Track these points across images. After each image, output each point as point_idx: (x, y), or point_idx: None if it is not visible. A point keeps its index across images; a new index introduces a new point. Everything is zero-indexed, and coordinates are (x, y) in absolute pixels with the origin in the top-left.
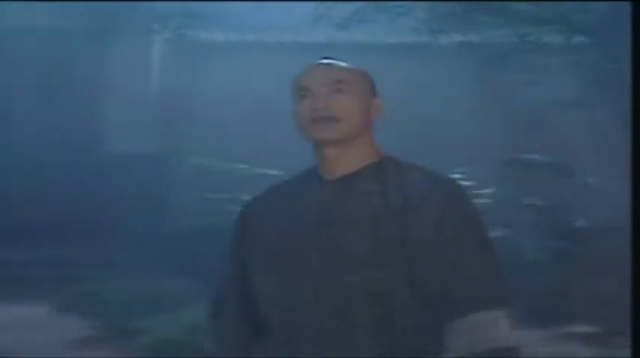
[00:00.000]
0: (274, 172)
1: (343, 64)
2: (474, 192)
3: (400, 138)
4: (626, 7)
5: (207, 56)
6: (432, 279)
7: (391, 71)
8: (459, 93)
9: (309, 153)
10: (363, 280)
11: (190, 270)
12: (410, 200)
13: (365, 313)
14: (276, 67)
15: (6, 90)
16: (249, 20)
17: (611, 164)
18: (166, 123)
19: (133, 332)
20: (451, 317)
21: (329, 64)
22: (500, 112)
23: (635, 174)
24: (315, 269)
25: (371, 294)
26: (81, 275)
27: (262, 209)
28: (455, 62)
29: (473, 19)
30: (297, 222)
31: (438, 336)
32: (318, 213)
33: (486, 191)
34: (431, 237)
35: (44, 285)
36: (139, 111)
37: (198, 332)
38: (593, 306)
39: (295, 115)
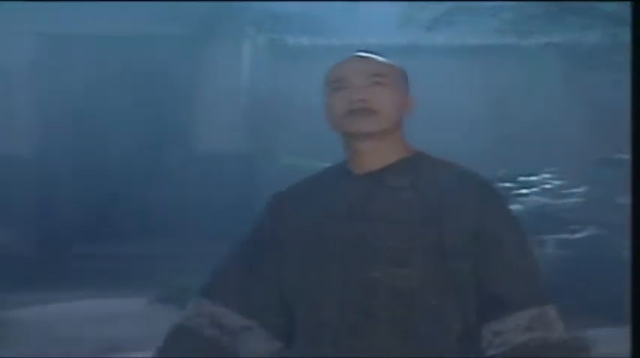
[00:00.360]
0: None
1: (380, 58)
2: (566, 191)
3: (494, 140)
4: None
5: (296, 60)
6: (466, 278)
7: (478, 73)
8: (545, 94)
9: None
10: (387, 276)
11: None
12: (443, 197)
13: (388, 310)
14: None
15: (104, 92)
16: (333, 23)
17: None
18: (257, 124)
19: None
20: (500, 315)
21: (367, 57)
22: (587, 112)
23: (635, 174)
24: (341, 263)
25: (395, 291)
26: (178, 269)
27: (292, 201)
28: (541, 63)
29: (558, 19)
30: (326, 216)
31: (465, 336)
32: (348, 207)
33: (578, 190)
34: (465, 235)
35: (144, 278)
36: (232, 112)
37: None
38: None
39: (328, 107)
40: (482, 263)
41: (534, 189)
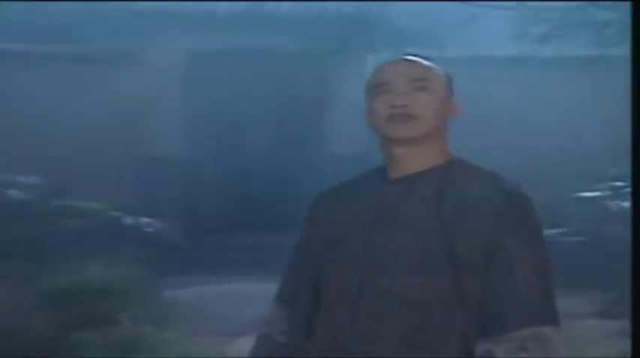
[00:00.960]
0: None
1: (425, 61)
2: None
3: (605, 144)
4: None
5: None
6: (478, 291)
7: (587, 82)
8: None
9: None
10: (398, 284)
11: None
12: (464, 207)
13: (398, 318)
14: (469, 81)
15: (239, 103)
16: (448, 37)
17: None
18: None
19: None
20: (498, 330)
21: (410, 60)
22: None
23: (636, 174)
24: (360, 268)
25: (405, 299)
26: None
27: (328, 203)
28: None
29: None
30: (354, 220)
31: (464, 351)
32: (375, 212)
33: None
34: (479, 249)
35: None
36: (357, 119)
37: None
38: None
39: (371, 111)
40: (489, 280)
41: None
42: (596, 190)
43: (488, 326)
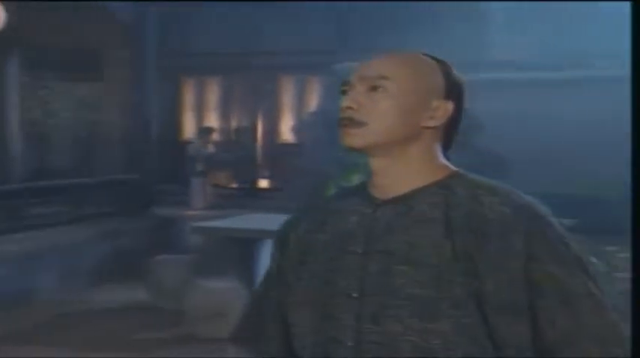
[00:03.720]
0: None
1: (404, 55)
2: None
3: None
4: None
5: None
6: (510, 334)
7: None
8: None
9: None
10: (410, 331)
11: None
12: (483, 233)
13: None
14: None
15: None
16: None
17: None
18: None
19: None
20: None
21: (383, 55)
22: None
23: (635, 174)
24: (354, 311)
25: (419, 349)
26: None
27: (301, 229)
28: None
29: None
30: (340, 248)
31: None
32: (365, 239)
33: None
34: (510, 281)
35: None
36: None
37: None
38: None
39: None
40: (544, 319)
41: None
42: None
43: None
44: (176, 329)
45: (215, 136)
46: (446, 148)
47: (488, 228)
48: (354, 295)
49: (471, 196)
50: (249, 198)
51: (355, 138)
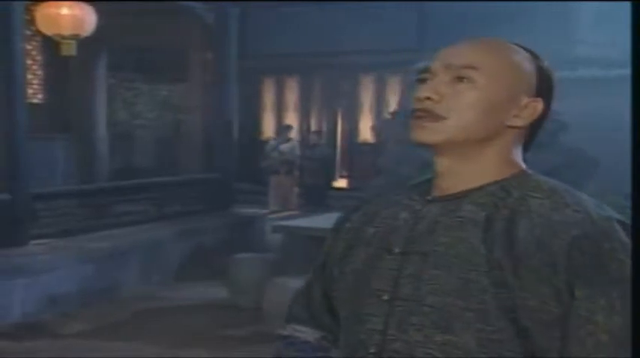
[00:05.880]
0: None
1: (496, 43)
2: None
3: None
4: None
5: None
6: (545, 348)
7: None
8: None
9: None
10: (427, 341)
11: None
12: (527, 241)
13: None
14: None
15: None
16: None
17: None
18: None
19: None
20: None
21: (472, 42)
22: None
23: (636, 174)
24: (385, 315)
25: None
26: None
27: (355, 222)
28: None
29: None
30: (382, 245)
31: None
32: (406, 238)
33: None
34: (545, 300)
35: None
36: None
37: None
38: None
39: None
40: (560, 333)
41: None
42: None
43: None
44: (255, 327)
45: (295, 135)
46: (526, 149)
47: (528, 234)
48: (385, 298)
49: (520, 198)
50: (329, 198)
51: (430, 132)
